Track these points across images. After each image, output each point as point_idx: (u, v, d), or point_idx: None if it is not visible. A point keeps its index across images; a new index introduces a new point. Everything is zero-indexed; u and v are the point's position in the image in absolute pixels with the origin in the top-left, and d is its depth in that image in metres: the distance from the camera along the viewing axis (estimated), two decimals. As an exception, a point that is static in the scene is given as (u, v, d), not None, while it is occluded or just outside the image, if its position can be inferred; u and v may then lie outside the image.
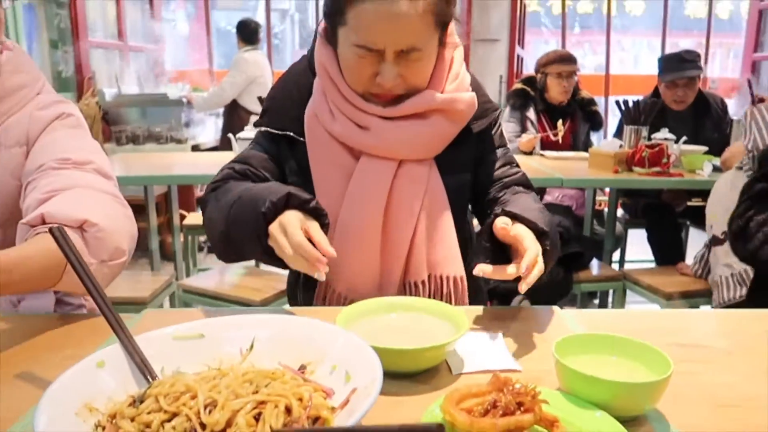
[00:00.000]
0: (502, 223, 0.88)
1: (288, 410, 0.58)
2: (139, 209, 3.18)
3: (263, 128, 1.12)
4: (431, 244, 1.07)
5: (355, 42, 0.96)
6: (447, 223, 1.08)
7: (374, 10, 0.93)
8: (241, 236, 0.93)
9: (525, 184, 1.16)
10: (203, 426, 0.55)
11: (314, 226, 0.87)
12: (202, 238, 4.36)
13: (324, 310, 1.01)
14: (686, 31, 6.48)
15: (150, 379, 0.64)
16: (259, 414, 0.56)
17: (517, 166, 1.19)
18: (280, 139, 1.10)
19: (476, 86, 1.13)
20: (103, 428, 0.56)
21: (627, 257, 3.50)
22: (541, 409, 0.60)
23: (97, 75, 4.61)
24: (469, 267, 1.11)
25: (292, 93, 1.12)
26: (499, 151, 1.17)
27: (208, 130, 4.79)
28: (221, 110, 4.75)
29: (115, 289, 2.23)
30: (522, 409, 0.60)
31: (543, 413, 0.60)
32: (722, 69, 6.80)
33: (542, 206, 1.04)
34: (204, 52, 5.63)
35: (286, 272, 1.22)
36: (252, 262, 3.46)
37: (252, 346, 0.72)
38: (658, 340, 0.75)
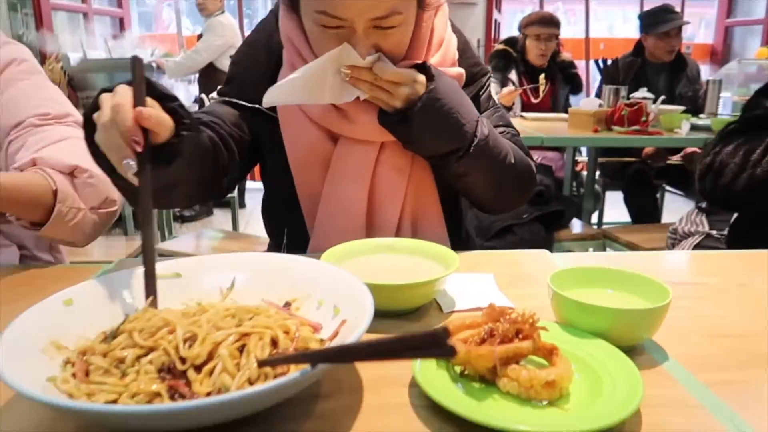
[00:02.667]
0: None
1: (274, 342, 0.54)
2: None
3: (228, 99, 0.98)
4: (418, 227, 1.00)
5: (317, 9, 0.81)
6: (434, 205, 1.00)
7: None
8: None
9: (515, 143, 1.02)
10: (183, 360, 0.51)
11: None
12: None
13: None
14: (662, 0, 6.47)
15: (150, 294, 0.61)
16: (243, 346, 0.53)
17: (509, 125, 1.07)
18: (249, 111, 0.98)
19: (464, 47, 1.02)
20: (73, 365, 0.52)
21: (604, 219, 3.53)
22: (539, 337, 0.57)
23: (61, 39, 4.42)
24: (459, 238, 1.08)
25: (259, 59, 0.97)
26: (486, 113, 1.05)
27: (180, 96, 4.62)
28: (193, 77, 4.60)
29: (87, 253, 2.16)
30: (520, 336, 0.57)
31: (541, 342, 0.58)
32: (693, 37, 6.84)
33: (510, 141, 0.99)
34: (171, 17, 5.44)
35: (266, 235, 1.14)
36: (230, 226, 3.40)
37: (233, 285, 0.68)
38: (651, 276, 0.73)
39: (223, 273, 0.70)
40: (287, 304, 0.65)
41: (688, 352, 0.65)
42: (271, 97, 0.87)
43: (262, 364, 0.50)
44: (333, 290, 0.63)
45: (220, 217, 4.35)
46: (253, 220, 4.27)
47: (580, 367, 0.58)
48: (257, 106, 0.95)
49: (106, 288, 0.63)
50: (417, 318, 0.73)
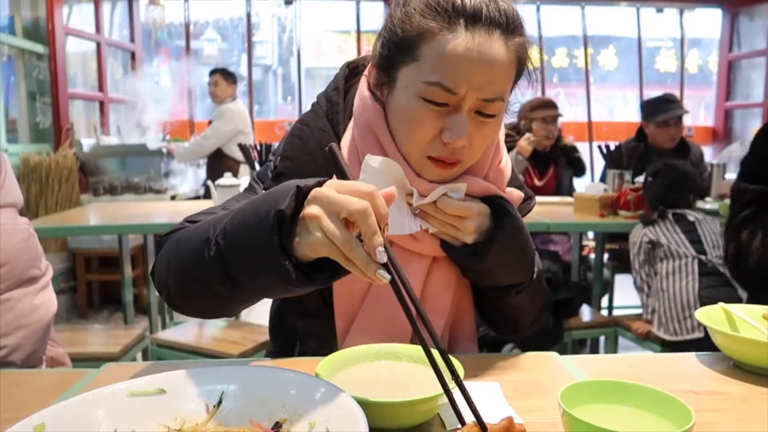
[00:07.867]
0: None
1: (258, 477, 0.49)
2: (113, 261, 3.08)
3: None
4: (453, 343, 0.95)
5: (429, 80, 0.76)
6: (470, 326, 0.96)
7: (463, 46, 0.75)
8: (247, 248, 0.65)
9: None
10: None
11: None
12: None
13: (303, 362, 0.92)
14: (660, 83, 6.67)
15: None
16: (223, 483, 0.48)
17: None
18: None
19: (511, 171, 0.98)
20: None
21: (615, 303, 3.45)
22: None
23: (76, 126, 4.56)
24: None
25: (315, 154, 0.88)
26: None
27: (188, 180, 4.72)
28: (202, 161, 4.70)
29: (84, 343, 2.10)
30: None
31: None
32: (694, 119, 7.01)
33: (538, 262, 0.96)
34: (184, 103, 5.63)
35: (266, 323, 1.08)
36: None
37: (220, 402, 0.64)
38: (669, 387, 0.67)
39: (210, 386, 0.66)
40: (277, 425, 0.60)
41: (716, 479, 0.59)
42: None
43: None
44: (326, 411, 0.59)
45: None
46: (254, 308, 4.19)
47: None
48: None
49: (84, 410, 0.59)
50: (418, 436, 0.68)
